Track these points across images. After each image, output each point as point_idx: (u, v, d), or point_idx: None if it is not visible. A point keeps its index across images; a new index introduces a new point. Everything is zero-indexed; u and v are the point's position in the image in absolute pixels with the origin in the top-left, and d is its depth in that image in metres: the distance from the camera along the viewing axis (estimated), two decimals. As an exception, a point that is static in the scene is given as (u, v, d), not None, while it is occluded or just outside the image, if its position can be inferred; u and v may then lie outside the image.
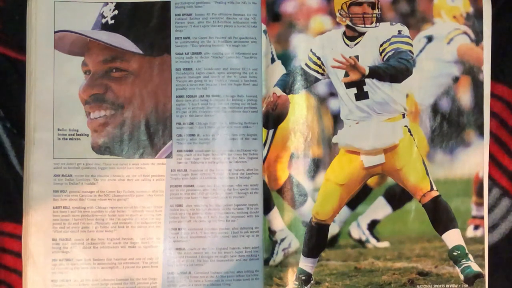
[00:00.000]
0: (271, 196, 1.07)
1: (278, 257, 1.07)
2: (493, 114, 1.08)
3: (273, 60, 1.08)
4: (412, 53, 1.07)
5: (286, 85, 1.08)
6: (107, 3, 1.07)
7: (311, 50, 1.08)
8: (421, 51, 1.09)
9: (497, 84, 1.09)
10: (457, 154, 1.09)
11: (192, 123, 1.06)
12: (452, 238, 1.06)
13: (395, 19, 1.09)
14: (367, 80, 1.07)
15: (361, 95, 1.07)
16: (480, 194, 1.08)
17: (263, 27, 1.08)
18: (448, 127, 1.09)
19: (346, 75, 1.07)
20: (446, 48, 1.09)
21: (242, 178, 1.06)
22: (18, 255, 1.04)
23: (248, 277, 1.05)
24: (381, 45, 1.07)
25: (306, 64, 1.08)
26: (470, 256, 1.05)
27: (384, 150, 1.07)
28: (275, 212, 1.08)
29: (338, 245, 1.10)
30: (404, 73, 1.06)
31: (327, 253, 1.08)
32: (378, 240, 1.11)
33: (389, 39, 1.07)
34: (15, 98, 1.06)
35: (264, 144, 1.07)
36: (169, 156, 1.06)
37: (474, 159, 1.08)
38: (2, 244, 1.05)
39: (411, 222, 1.08)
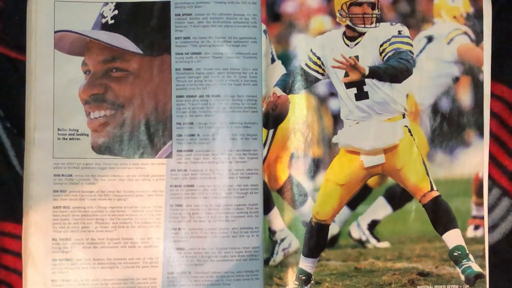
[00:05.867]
0: (271, 196, 1.07)
1: (278, 257, 1.07)
2: (493, 114, 1.08)
3: (273, 60, 1.08)
4: (412, 53, 1.07)
5: (286, 85, 1.08)
6: (107, 3, 1.07)
7: (311, 50, 1.08)
8: (421, 51, 1.09)
9: (497, 84, 1.09)
10: (457, 154, 1.09)
11: (192, 123, 1.06)
12: (453, 238, 1.05)
13: (395, 19, 1.09)
14: (367, 80, 1.06)
15: (361, 95, 1.07)
16: (480, 194, 1.08)
17: (263, 27, 1.08)
18: (448, 127, 1.09)
19: (346, 75, 1.06)
20: (446, 48, 1.09)
21: (242, 178, 1.06)
22: (18, 255, 1.04)
23: (248, 277, 1.05)
24: (381, 45, 1.07)
25: (306, 64, 1.08)
26: (470, 256, 1.05)
27: (384, 150, 1.07)
28: (275, 212, 1.08)
29: (338, 245, 1.10)
30: (404, 73, 1.06)
31: (327, 253, 1.08)
32: (378, 240, 1.11)
33: (389, 39, 1.07)
34: (15, 98, 1.06)
35: (264, 144, 1.07)
36: (169, 156, 1.06)
37: (474, 159, 1.08)
38: (2, 244, 1.05)
39: (411, 222, 1.08)
